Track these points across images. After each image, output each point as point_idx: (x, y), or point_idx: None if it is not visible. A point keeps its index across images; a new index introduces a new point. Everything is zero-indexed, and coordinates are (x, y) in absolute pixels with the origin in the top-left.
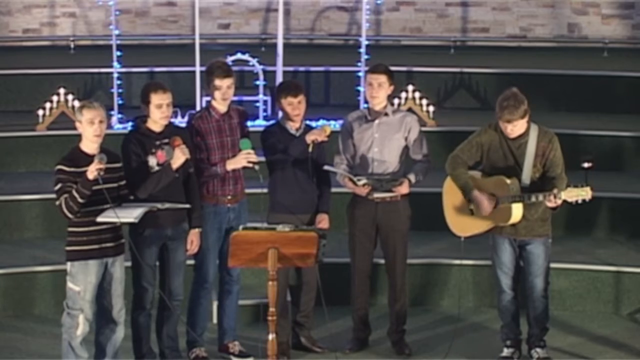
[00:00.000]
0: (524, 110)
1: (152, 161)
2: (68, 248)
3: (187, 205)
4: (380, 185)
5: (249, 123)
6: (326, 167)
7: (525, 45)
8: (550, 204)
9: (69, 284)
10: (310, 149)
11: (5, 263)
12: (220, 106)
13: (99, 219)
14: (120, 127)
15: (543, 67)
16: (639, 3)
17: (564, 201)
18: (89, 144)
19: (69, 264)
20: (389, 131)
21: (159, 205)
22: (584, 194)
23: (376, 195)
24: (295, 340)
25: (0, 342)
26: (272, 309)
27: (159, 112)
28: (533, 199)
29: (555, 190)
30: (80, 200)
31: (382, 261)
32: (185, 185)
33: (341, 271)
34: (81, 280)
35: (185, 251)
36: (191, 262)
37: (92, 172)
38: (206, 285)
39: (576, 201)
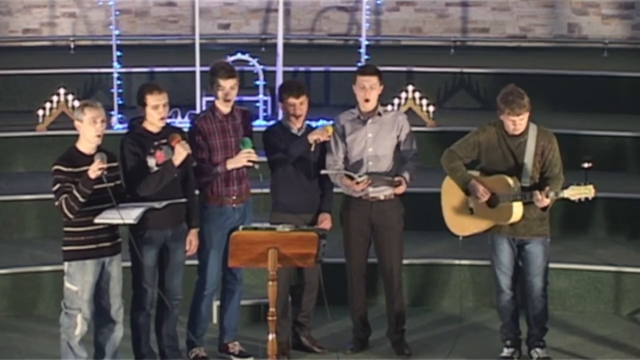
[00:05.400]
0: (528, 102)
1: (151, 162)
2: (65, 248)
3: (184, 200)
4: (378, 180)
5: None
6: (323, 171)
7: (525, 45)
8: (537, 204)
9: (67, 284)
10: (312, 149)
11: (6, 263)
12: (224, 107)
13: (97, 221)
14: (120, 127)
15: (543, 67)
16: (639, 3)
17: (566, 200)
18: (87, 144)
19: (66, 263)
20: (382, 130)
21: (157, 205)
22: (587, 192)
23: (372, 194)
24: (295, 340)
25: (0, 342)
26: (272, 309)
27: (156, 113)
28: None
29: (546, 189)
30: (81, 199)
31: (378, 261)
32: (183, 185)
33: (341, 271)
34: (79, 279)
35: (184, 252)
36: (193, 262)
37: (94, 171)
38: (208, 287)
39: (579, 199)
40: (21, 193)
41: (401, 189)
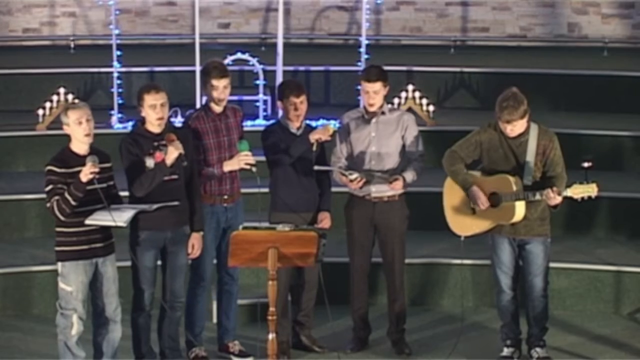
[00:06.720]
0: (523, 111)
1: (150, 162)
2: (58, 248)
3: (176, 203)
4: (372, 177)
5: (249, 123)
6: (317, 167)
7: (525, 45)
8: (550, 202)
9: (61, 284)
10: (314, 148)
11: (5, 263)
12: (217, 106)
13: (88, 222)
14: (120, 127)
15: (543, 67)
16: (639, 3)
17: (569, 198)
18: (79, 144)
19: (59, 264)
20: (386, 130)
21: (147, 207)
22: (590, 190)
23: (374, 194)
24: (295, 340)
25: (0, 342)
26: (272, 309)
27: (154, 113)
28: (537, 196)
29: (558, 187)
30: (72, 202)
31: (381, 260)
32: (188, 188)
33: (341, 271)
34: (73, 280)
35: (186, 254)
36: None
37: (86, 175)
38: (203, 284)
39: (582, 198)
40: (21, 193)
41: (397, 186)
